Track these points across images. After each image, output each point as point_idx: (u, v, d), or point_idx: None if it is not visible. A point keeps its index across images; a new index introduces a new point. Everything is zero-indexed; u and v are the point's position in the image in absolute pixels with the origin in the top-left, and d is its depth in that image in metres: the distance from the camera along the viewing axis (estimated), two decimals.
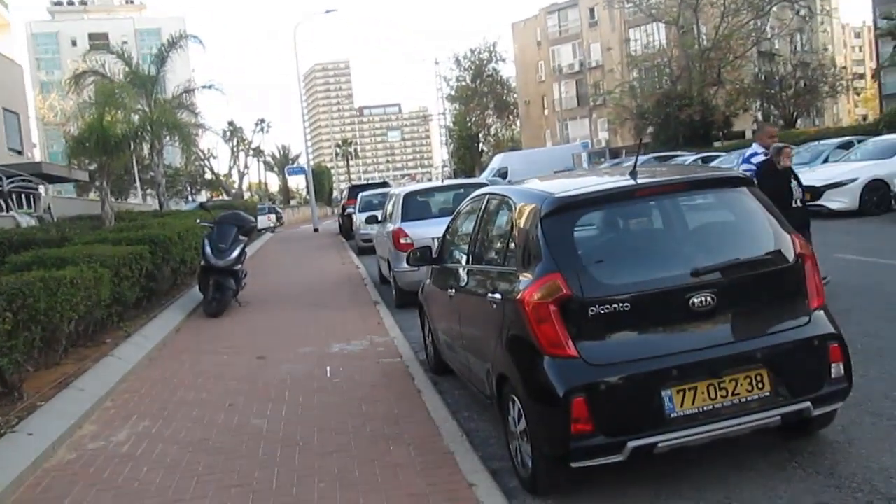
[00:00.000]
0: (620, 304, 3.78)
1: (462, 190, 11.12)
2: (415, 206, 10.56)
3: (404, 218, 10.30)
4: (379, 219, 12.64)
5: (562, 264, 3.87)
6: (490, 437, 5.12)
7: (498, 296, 4.31)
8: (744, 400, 3.79)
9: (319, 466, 4.58)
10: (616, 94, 45.66)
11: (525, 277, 4.06)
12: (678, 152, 29.73)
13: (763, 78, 43.40)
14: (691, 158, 25.86)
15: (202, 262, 10.82)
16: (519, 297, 3.99)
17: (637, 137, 48.04)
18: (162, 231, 11.38)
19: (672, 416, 3.72)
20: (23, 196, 24.76)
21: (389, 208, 11.81)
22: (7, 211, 21.81)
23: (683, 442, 3.77)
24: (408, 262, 6.46)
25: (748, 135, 42.74)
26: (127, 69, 26.26)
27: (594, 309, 3.76)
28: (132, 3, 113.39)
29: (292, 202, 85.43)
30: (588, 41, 63.52)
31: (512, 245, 4.40)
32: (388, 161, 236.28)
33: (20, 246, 12.05)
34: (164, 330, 9.38)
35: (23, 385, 6.27)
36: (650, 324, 3.88)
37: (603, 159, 39.31)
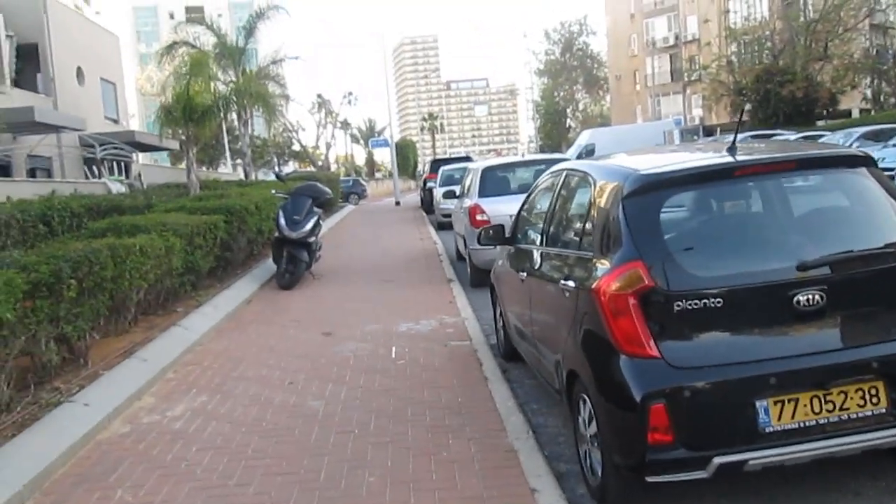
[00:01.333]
0: (712, 300, 3.28)
1: (544, 166, 10.59)
2: (493, 182, 10.12)
3: (482, 194, 9.88)
4: (457, 194, 12.27)
5: (645, 251, 3.40)
6: (559, 433, 4.71)
7: (571, 283, 3.86)
8: (854, 416, 3.24)
9: (372, 458, 4.28)
10: (713, 68, 43.57)
11: (602, 264, 3.61)
12: (778, 131, 28.06)
13: (875, 53, 40.43)
14: (794, 137, 24.35)
15: (276, 233, 10.73)
16: (594, 286, 3.54)
17: (734, 115, 45.96)
18: (239, 201, 11.35)
19: (767, 430, 3.22)
20: (115, 163, 25.69)
21: (467, 183, 11.41)
22: (99, 177, 22.64)
23: (779, 460, 3.26)
24: (478, 241, 6.06)
25: (855, 114, 40.11)
26: (216, 40, 26.69)
27: (680, 304, 3.28)
28: None
29: (377, 175, 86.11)
30: (684, 13, 60.87)
31: (590, 227, 3.93)
32: (474, 136, 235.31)
33: (108, 211, 12.33)
34: (236, 301, 9.32)
35: (89, 352, 6.24)
36: (746, 324, 3.37)
37: (696, 137, 37.68)
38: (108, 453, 4.61)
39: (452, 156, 33.50)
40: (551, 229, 4.69)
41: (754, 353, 3.32)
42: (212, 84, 21.42)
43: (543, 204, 5.13)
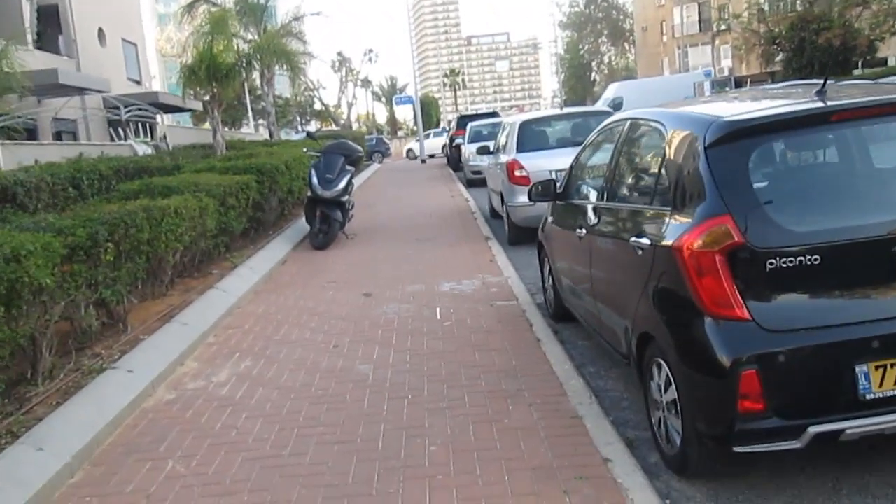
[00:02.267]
0: (807, 257, 3.00)
1: (581, 119, 10.27)
2: (531, 136, 9.77)
3: (520, 149, 9.55)
4: (491, 150, 11.93)
5: (732, 205, 3.11)
6: (622, 398, 4.49)
7: (645, 240, 3.59)
8: None
9: (430, 425, 4.08)
10: (744, 17, 42.18)
11: (681, 220, 3.33)
12: (814, 81, 27.12)
13: None
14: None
15: (308, 193, 10.50)
16: (675, 243, 3.27)
17: (765, 65, 44.62)
18: (269, 160, 11.12)
19: (867, 397, 2.96)
20: (139, 125, 25.55)
21: (503, 139, 11.07)
22: (125, 139, 22.54)
23: (879, 429, 3.01)
24: (529, 198, 5.77)
25: (892, 62, 38.71)
26: None
27: (773, 262, 3.01)
28: None
29: (399, 133, 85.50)
30: None
31: (664, 180, 3.64)
32: (495, 91, 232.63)
33: (136, 173, 12.20)
34: (271, 262, 9.15)
35: (127, 316, 6.11)
36: (844, 283, 3.09)
37: (728, 88, 36.67)
38: (155, 421, 4.46)
39: (478, 111, 32.86)
40: (614, 183, 4.39)
41: (854, 314, 3.05)
42: (234, 42, 21.09)
43: (602, 157, 4.83)
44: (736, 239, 3.04)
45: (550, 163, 9.19)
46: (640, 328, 3.71)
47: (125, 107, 23.38)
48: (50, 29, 25.49)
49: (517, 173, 9.28)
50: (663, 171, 3.66)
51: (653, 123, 4.00)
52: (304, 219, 11.21)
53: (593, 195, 4.76)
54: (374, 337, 5.90)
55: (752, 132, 3.28)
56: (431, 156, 38.16)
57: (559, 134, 10.03)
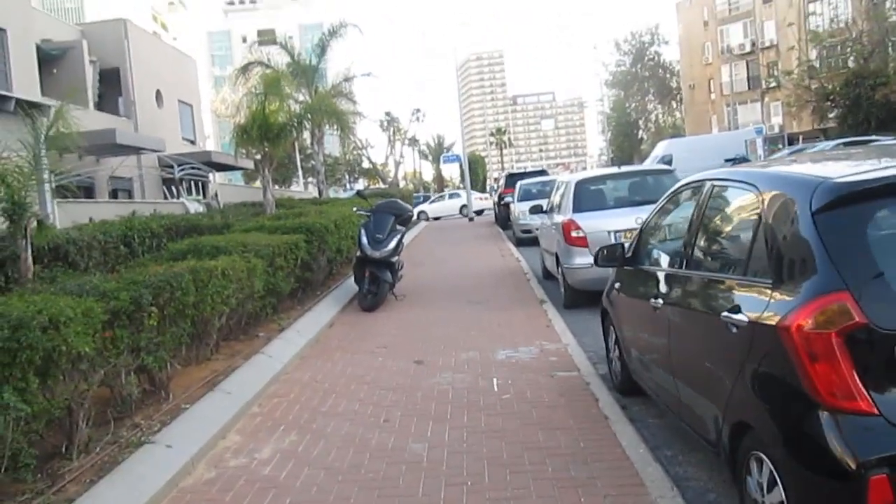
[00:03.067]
0: None
1: (640, 178, 9.91)
2: (588, 196, 9.42)
3: (576, 208, 9.19)
4: (544, 209, 11.60)
5: (850, 279, 2.69)
6: (707, 489, 4.00)
7: (741, 317, 3.17)
8: None
9: None
10: (795, 74, 41.64)
11: (786, 295, 2.91)
12: (876, 137, 26.34)
13: None
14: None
15: (358, 253, 10.27)
16: (781, 322, 2.85)
17: (818, 122, 43.78)
18: (318, 219, 10.96)
19: None
20: (192, 183, 25.98)
21: (557, 198, 10.73)
22: (178, 197, 22.88)
23: None
24: (595, 263, 5.39)
25: None
26: (289, 59, 26.81)
27: None
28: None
29: (446, 190, 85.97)
30: (761, 18, 58.79)
31: (758, 249, 3.24)
32: (540, 150, 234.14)
33: (187, 231, 12.18)
34: (318, 325, 8.87)
35: (170, 383, 5.84)
36: None
37: (781, 146, 35.99)
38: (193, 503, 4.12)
39: (527, 170, 32.71)
40: (697, 250, 3.99)
41: None
42: (286, 102, 21.42)
43: (679, 220, 4.44)
44: (856, 319, 2.62)
45: (609, 223, 8.82)
46: (734, 416, 3.26)
47: (178, 165, 23.83)
48: (110, 91, 26.36)
49: (574, 234, 8.91)
50: (759, 238, 3.26)
51: (742, 185, 3.61)
52: (352, 278, 10.97)
53: (669, 262, 4.36)
54: (427, 411, 5.50)
55: (867, 195, 2.87)
56: (437, 218, 37.89)
57: (617, 193, 9.66)
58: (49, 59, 23.10)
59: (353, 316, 9.84)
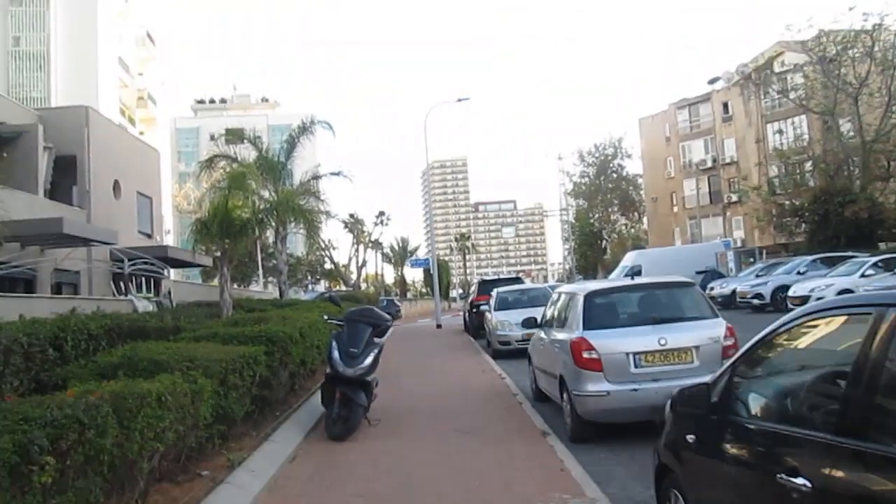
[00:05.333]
0: None
1: (658, 291, 8.68)
2: (601, 310, 8.10)
3: (587, 325, 7.87)
4: (539, 322, 10.27)
5: None
6: None
7: None
8: None
9: None
10: (764, 189, 42.11)
11: None
12: (850, 253, 25.98)
13: None
14: (872, 261, 22.20)
15: (328, 370, 8.74)
16: None
17: (780, 237, 44.02)
18: (282, 327, 9.47)
19: None
20: (144, 279, 24.22)
21: (555, 311, 9.44)
22: (126, 294, 21.08)
23: None
24: (672, 409, 4.02)
25: None
26: (256, 154, 25.82)
27: None
28: (267, 101, 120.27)
29: (408, 295, 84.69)
30: (721, 136, 60.51)
31: None
32: (502, 257, 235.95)
33: (130, 334, 10.60)
34: (277, 460, 7.24)
35: None
36: None
37: (752, 259, 35.76)
38: None
39: (500, 276, 31.73)
40: (873, 411, 2.64)
41: None
42: (251, 199, 20.27)
43: (820, 359, 3.13)
44: None
45: (627, 344, 7.54)
46: None
47: (129, 260, 22.17)
48: (65, 179, 24.88)
49: (586, 355, 7.56)
50: None
51: None
52: (317, 395, 9.40)
53: (814, 422, 3.01)
54: None
55: None
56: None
57: (633, 308, 8.38)
58: (0, 142, 21.69)
59: (319, 446, 8.19)
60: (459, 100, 35.44)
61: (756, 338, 3.66)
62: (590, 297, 8.20)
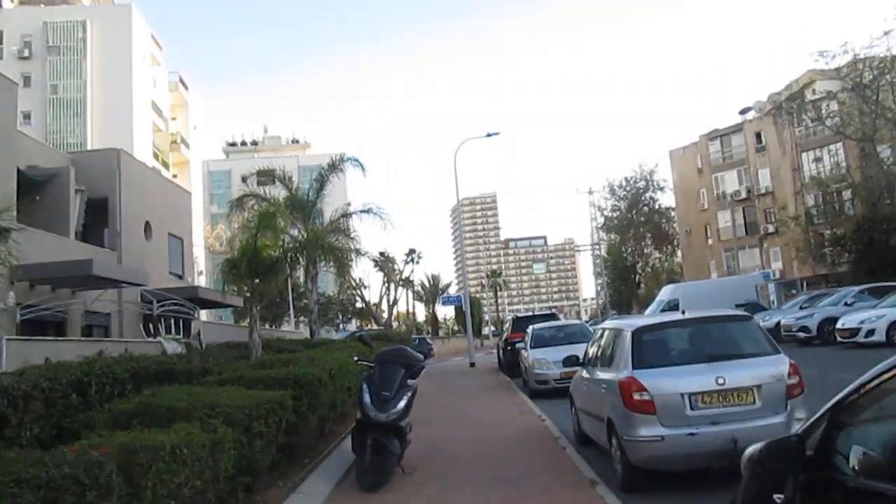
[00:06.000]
0: None
1: (714, 325, 8.05)
2: (651, 348, 7.49)
3: (637, 364, 7.27)
4: (581, 360, 9.68)
5: None
6: None
7: None
8: None
9: None
10: (803, 219, 41.08)
11: None
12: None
13: None
14: None
15: (358, 415, 8.22)
16: None
17: (820, 267, 42.73)
18: (310, 369, 9.01)
19: None
20: (173, 321, 24.02)
21: (604, 347, 8.82)
22: (155, 336, 20.88)
23: None
24: (750, 464, 3.44)
25: None
26: (287, 193, 25.72)
27: None
28: (297, 142, 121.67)
29: (440, 333, 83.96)
30: (756, 166, 59.41)
31: None
32: (532, 293, 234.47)
33: (157, 376, 10.31)
34: None
35: None
36: None
37: (794, 290, 34.67)
38: None
39: (534, 313, 31.02)
40: None
41: None
42: (280, 237, 20.04)
43: None
44: None
45: (682, 384, 6.92)
46: None
47: (159, 301, 22.01)
48: (97, 221, 24.97)
49: (637, 397, 6.96)
50: None
51: None
52: (348, 441, 8.87)
53: None
54: None
55: None
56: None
57: (683, 344, 7.77)
58: (32, 185, 21.80)
59: (350, 498, 7.63)
60: (489, 134, 35.03)
61: (863, 377, 3.09)
62: (638, 332, 7.61)
